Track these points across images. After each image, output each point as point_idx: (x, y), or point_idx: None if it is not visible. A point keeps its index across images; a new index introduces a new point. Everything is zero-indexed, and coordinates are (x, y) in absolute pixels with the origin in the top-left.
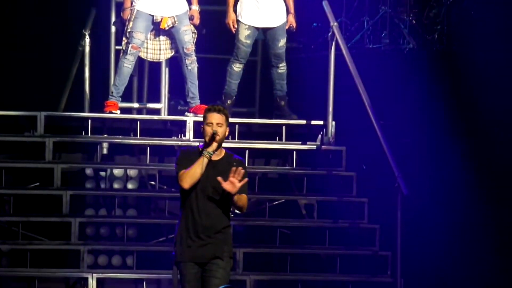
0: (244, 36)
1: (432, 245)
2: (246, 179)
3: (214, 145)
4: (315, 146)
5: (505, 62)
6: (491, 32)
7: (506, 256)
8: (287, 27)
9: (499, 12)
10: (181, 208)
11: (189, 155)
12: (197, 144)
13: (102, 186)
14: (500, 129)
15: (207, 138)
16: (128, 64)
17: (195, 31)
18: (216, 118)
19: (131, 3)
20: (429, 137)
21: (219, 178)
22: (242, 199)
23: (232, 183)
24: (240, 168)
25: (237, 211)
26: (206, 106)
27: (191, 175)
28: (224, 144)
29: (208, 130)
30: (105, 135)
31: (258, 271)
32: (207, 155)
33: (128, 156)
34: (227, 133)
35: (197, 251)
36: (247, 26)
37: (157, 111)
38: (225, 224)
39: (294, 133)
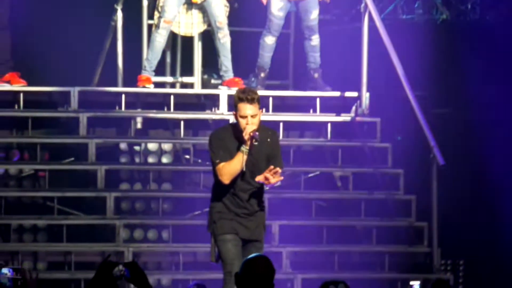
0: (277, 9)
1: (468, 215)
2: (281, 177)
3: (250, 142)
4: (350, 118)
5: None
6: None
7: None
8: None
9: None
10: (214, 187)
11: (222, 140)
12: (230, 118)
13: (137, 160)
14: None
15: (245, 136)
16: (160, 38)
17: (227, 4)
18: (249, 109)
19: None
20: (464, 108)
21: (258, 178)
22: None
23: (267, 179)
24: (277, 169)
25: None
26: (240, 80)
27: (232, 172)
28: None
29: (244, 123)
30: (139, 110)
31: (294, 243)
32: (246, 151)
33: (162, 130)
34: (260, 116)
35: (240, 226)
36: None
37: (190, 85)
38: (261, 206)
39: (328, 105)
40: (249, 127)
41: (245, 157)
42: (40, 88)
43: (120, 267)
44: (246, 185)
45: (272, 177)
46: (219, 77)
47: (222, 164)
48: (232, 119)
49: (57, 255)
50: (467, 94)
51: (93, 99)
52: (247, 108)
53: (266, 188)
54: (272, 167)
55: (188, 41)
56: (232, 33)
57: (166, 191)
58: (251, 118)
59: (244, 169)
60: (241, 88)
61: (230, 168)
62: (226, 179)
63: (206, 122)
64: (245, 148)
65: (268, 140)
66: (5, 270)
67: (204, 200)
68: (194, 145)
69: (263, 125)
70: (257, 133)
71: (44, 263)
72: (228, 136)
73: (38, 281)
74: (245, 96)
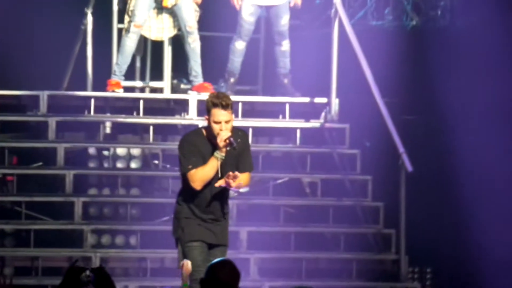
0: (247, 14)
1: (436, 222)
2: (240, 178)
3: (224, 149)
4: (319, 124)
5: (509, 38)
6: (492, 7)
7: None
8: (292, 5)
9: None
10: (182, 191)
11: (194, 143)
12: (199, 123)
13: (105, 165)
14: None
15: (220, 143)
16: (130, 42)
17: (198, 9)
18: (223, 115)
19: None
20: (433, 114)
21: (219, 183)
22: (243, 179)
23: (227, 183)
24: (236, 173)
25: (242, 191)
26: (210, 85)
27: (205, 179)
28: None
29: (217, 128)
30: (108, 114)
31: (261, 249)
32: (219, 157)
33: (131, 135)
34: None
35: (207, 231)
36: (250, 4)
37: (160, 90)
38: (227, 210)
39: (297, 111)
40: (223, 133)
41: (219, 163)
42: (9, 92)
43: (87, 272)
44: (213, 190)
45: (232, 181)
46: (189, 82)
47: (194, 170)
48: (201, 124)
49: (24, 260)
50: (436, 101)
51: (62, 103)
52: (221, 114)
53: (234, 194)
54: (230, 172)
55: (158, 46)
56: (202, 38)
57: (134, 197)
58: (225, 124)
59: (219, 176)
60: (214, 93)
61: (203, 175)
62: (198, 185)
63: (175, 127)
64: (219, 155)
65: (239, 140)
66: None
67: (172, 205)
68: (163, 150)
69: (233, 126)
70: (232, 139)
71: (11, 268)
72: (200, 140)
73: (10, 287)
74: (219, 101)
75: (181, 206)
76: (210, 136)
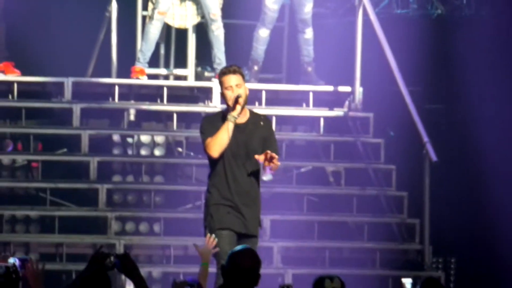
0: (271, 2)
1: (461, 212)
2: (278, 163)
3: (238, 108)
4: (343, 113)
5: None
6: None
7: None
8: None
9: None
10: (211, 176)
11: (213, 121)
12: None
13: (129, 152)
14: None
15: (230, 103)
16: (154, 30)
17: None
18: (233, 80)
19: None
20: (457, 104)
21: (259, 157)
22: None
23: (266, 159)
24: (274, 154)
25: (265, 179)
26: None
27: (219, 143)
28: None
29: (229, 94)
30: (132, 101)
31: (285, 238)
32: (232, 119)
33: (155, 123)
34: (247, 92)
35: (236, 219)
36: None
37: (184, 78)
38: (257, 191)
39: (321, 100)
40: (231, 92)
41: (231, 125)
42: (34, 79)
43: (112, 258)
44: (241, 170)
45: (267, 161)
46: (213, 69)
47: (210, 138)
48: None
49: (48, 246)
50: (460, 90)
51: (87, 90)
52: (230, 79)
53: (263, 178)
54: (268, 152)
55: (182, 33)
56: (226, 26)
57: (158, 184)
58: (236, 88)
59: (232, 139)
60: None
61: (218, 139)
62: (214, 151)
63: (199, 115)
64: (231, 116)
65: (261, 123)
66: (12, 260)
67: (196, 193)
68: (186, 137)
69: (255, 111)
70: (239, 93)
71: (36, 254)
72: (220, 119)
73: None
74: (227, 69)
75: (210, 192)
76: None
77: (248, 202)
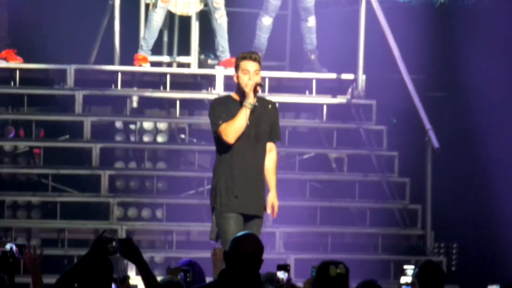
0: None
1: (462, 198)
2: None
3: (251, 95)
4: (345, 100)
5: None
6: None
7: None
8: None
9: None
10: (218, 159)
11: (225, 104)
12: None
13: (132, 139)
14: None
15: (247, 88)
16: (157, 17)
17: None
18: (252, 65)
19: None
20: (459, 91)
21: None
22: (271, 148)
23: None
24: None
25: None
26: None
27: (236, 129)
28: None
29: (245, 78)
30: (135, 88)
31: (287, 224)
32: (250, 106)
33: (157, 110)
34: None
35: (245, 202)
36: None
37: (187, 65)
38: (263, 173)
39: (324, 87)
40: (248, 77)
41: (248, 111)
42: (37, 66)
43: (114, 243)
44: (251, 151)
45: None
46: (216, 57)
47: (224, 124)
48: None
49: (50, 232)
50: (463, 78)
51: (89, 77)
52: (250, 65)
53: None
54: (275, 203)
55: (185, 21)
56: (229, 14)
57: (160, 170)
58: (254, 74)
59: (248, 123)
60: None
61: (235, 125)
62: (231, 137)
63: (202, 102)
64: (248, 103)
65: (270, 106)
66: (8, 246)
67: (198, 179)
68: (189, 124)
69: (260, 96)
70: (260, 81)
71: (38, 239)
72: (231, 101)
73: (39, 257)
74: (248, 55)
75: (218, 172)
76: (241, 98)
77: (255, 183)
